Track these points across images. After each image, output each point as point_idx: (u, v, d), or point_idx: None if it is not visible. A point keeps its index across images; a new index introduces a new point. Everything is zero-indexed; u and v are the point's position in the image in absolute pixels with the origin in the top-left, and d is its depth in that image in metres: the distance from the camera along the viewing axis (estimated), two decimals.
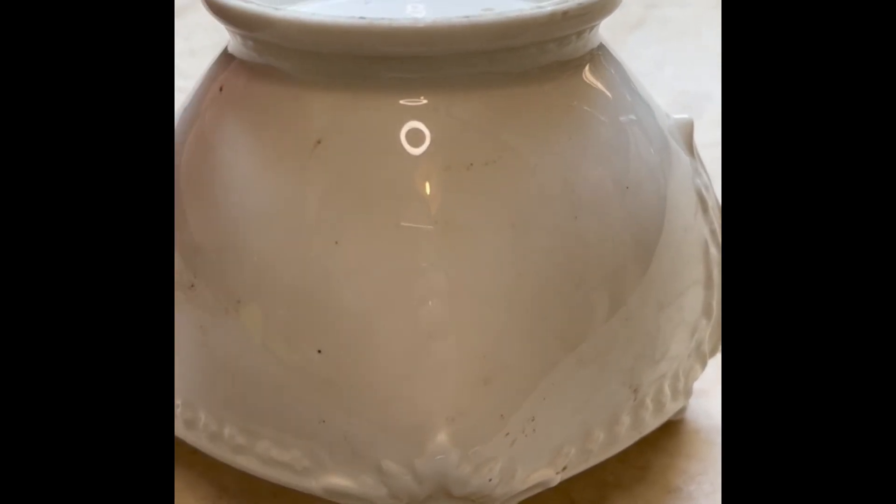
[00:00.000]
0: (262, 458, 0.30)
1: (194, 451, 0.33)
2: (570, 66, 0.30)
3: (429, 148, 0.28)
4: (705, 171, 0.34)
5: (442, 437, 0.28)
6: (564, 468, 0.30)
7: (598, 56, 0.31)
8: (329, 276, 0.28)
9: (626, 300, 0.30)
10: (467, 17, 0.27)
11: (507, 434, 0.29)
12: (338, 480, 0.29)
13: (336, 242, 0.28)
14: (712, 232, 0.34)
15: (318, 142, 0.28)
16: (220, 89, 0.31)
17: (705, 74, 0.62)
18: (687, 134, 0.33)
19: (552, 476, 0.30)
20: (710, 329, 0.34)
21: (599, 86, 0.31)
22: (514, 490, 0.30)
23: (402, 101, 0.29)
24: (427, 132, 0.28)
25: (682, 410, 0.36)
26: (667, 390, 0.33)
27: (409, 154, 0.28)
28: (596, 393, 0.30)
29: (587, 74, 0.31)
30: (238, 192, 0.29)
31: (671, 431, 0.37)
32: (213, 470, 0.34)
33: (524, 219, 0.28)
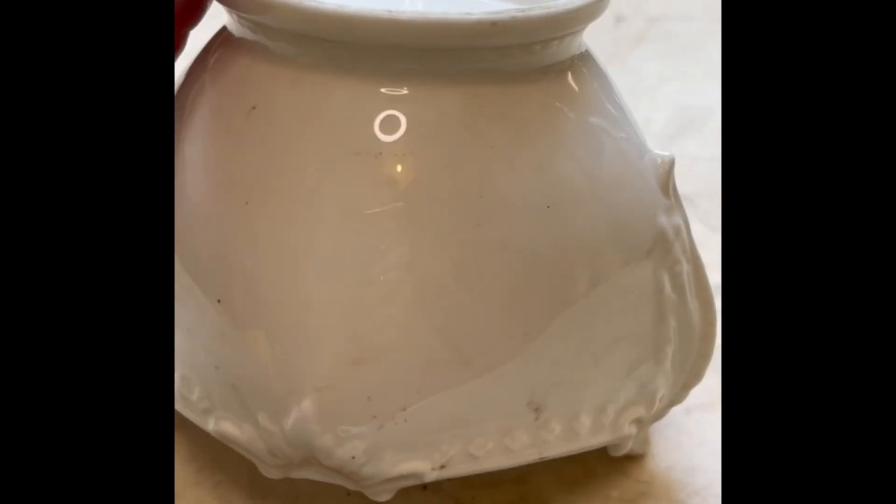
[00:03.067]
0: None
1: (200, 469, 0.36)
2: (553, 70, 0.31)
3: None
4: (682, 213, 0.33)
5: (307, 404, 0.29)
6: (443, 466, 0.31)
7: (580, 65, 0.32)
8: (235, 234, 0.30)
9: (533, 321, 0.30)
10: (389, 11, 0.28)
11: (375, 417, 0.30)
12: (228, 427, 0.31)
13: (246, 203, 0.30)
14: (675, 275, 0.33)
15: (253, 108, 0.30)
16: (211, 61, 0.33)
17: (709, 89, 0.60)
18: (664, 172, 0.33)
19: (426, 470, 0.31)
20: (664, 376, 0.34)
21: (578, 91, 0.31)
22: (383, 473, 0.30)
23: (382, 90, 0.30)
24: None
25: (645, 444, 0.36)
26: (584, 420, 0.32)
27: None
28: (484, 401, 0.30)
29: (569, 79, 0.31)
30: (191, 148, 0.32)
31: (675, 445, 0.37)
32: (220, 487, 0.36)
33: (418, 212, 0.29)
